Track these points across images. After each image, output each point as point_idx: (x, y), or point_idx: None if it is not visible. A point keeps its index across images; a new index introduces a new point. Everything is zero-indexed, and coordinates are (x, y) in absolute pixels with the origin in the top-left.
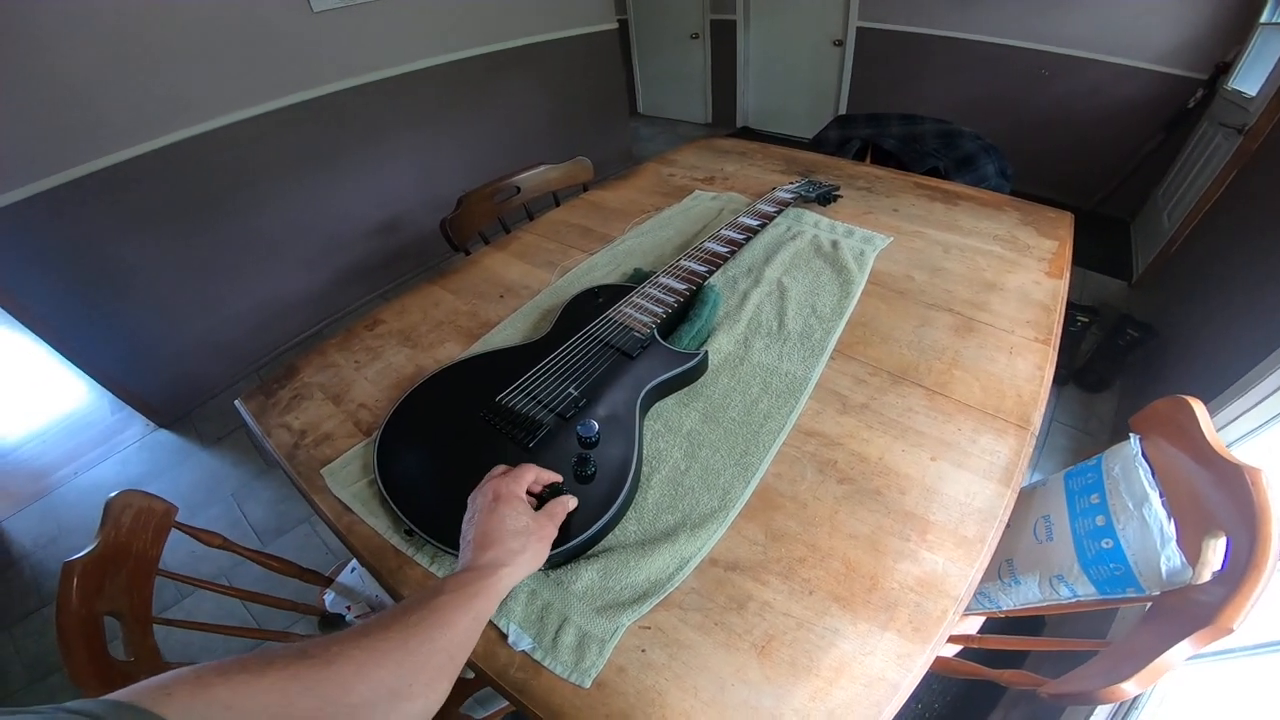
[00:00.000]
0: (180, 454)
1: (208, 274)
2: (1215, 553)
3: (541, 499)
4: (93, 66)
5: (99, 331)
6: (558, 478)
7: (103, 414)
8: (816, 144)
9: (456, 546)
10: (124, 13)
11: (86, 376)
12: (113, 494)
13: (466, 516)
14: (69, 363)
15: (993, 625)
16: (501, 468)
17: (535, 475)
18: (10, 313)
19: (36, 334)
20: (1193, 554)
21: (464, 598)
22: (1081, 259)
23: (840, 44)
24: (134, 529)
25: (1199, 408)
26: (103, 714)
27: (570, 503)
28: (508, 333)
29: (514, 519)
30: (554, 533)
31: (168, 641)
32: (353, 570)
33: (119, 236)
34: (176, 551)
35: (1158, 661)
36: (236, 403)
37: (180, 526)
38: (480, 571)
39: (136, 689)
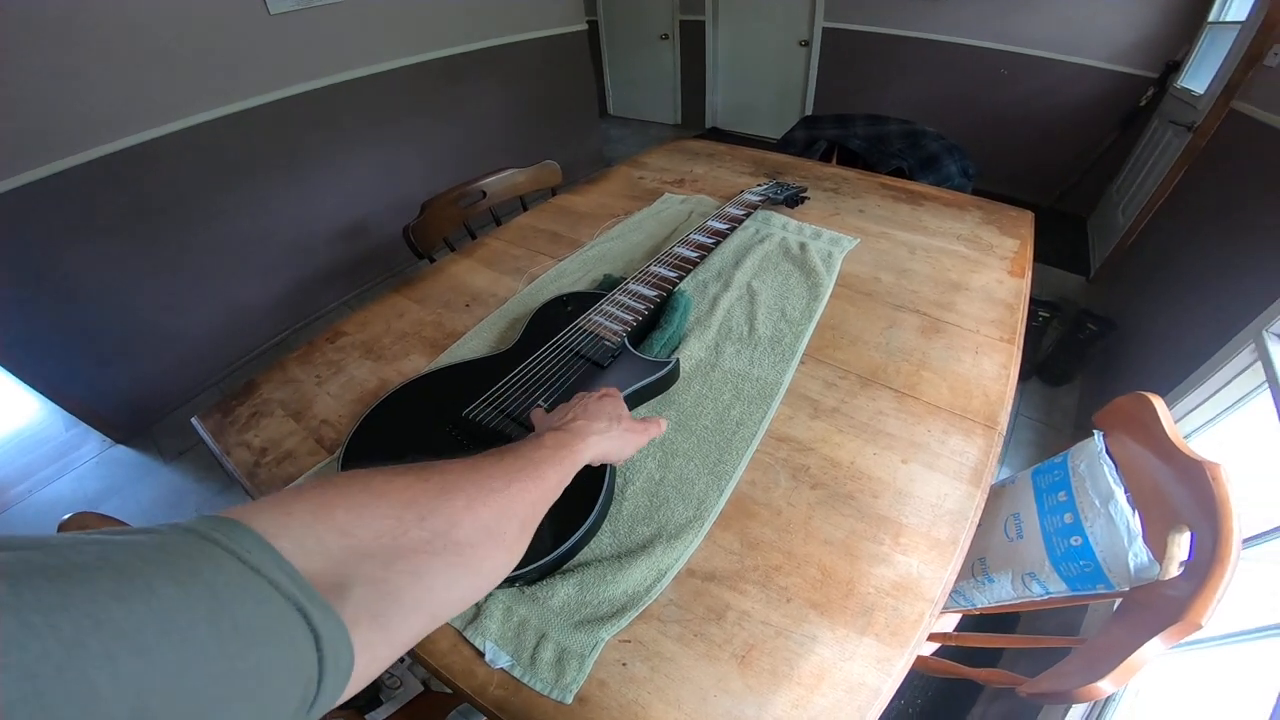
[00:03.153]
0: (140, 470)
1: (165, 283)
2: (1180, 548)
3: None
4: (36, 71)
5: (48, 345)
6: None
7: (55, 430)
8: (783, 144)
9: None
10: (70, 15)
11: (35, 393)
12: (65, 516)
13: (568, 405)
14: (15, 378)
15: (968, 622)
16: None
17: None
18: None
19: None
20: (1159, 549)
21: (560, 456)
22: (1041, 255)
23: (806, 44)
24: None
25: (1159, 404)
26: (221, 539)
27: (664, 425)
28: (474, 343)
29: (612, 408)
30: (640, 441)
31: None
32: None
33: (67, 247)
34: None
35: (1131, 659)
36: (194, 421)
37: None
38: (575, 434)
39: (253, 507)
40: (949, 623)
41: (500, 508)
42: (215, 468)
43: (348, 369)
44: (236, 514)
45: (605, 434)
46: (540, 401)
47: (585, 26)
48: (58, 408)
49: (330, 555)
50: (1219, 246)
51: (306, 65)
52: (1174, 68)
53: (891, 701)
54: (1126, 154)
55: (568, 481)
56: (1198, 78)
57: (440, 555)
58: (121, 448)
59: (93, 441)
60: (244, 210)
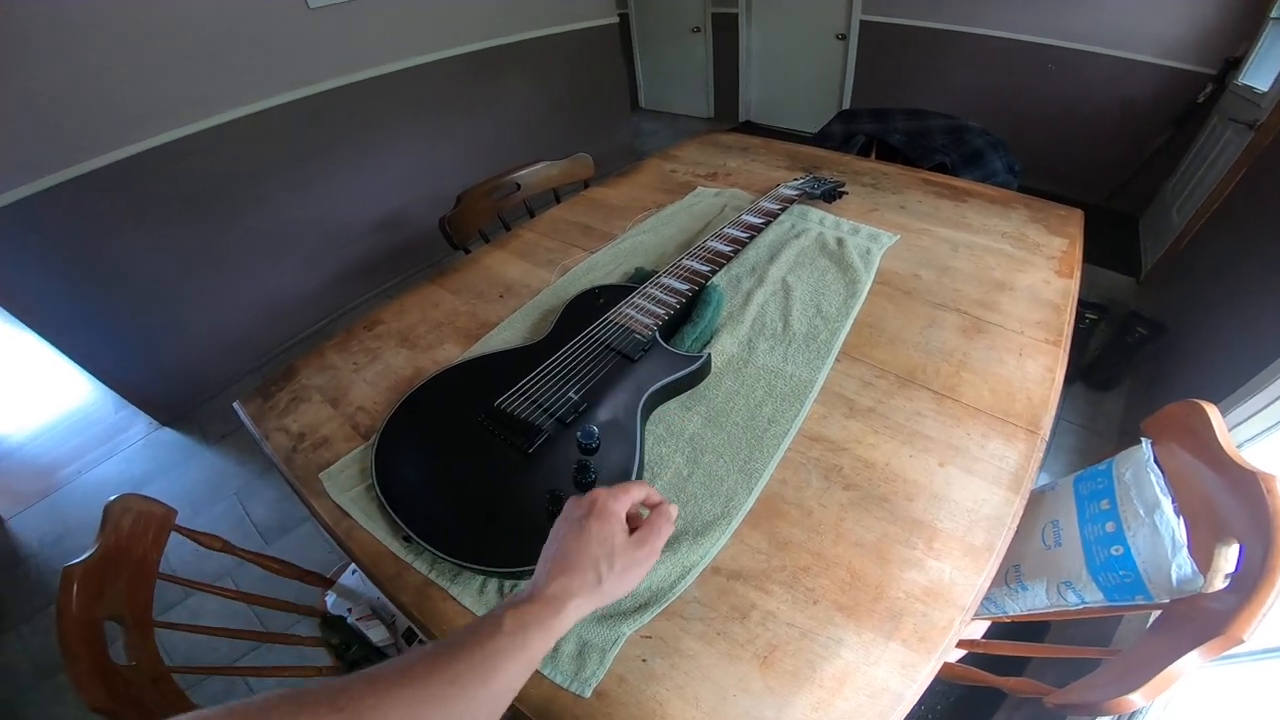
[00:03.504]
0: (184, 452)
1: (210, 271)
2: (1227, 560)
3: None
4: (92, 65)
5: (101, 330)
6: (664, 501)
7: (106, 412)
8: (820, 139)
9: (454, 554)
10: (123, 11)
11: (89, 375)
12: (111, 498)
13: (554, 529)
14: (71, 361)
15: (997, 629)
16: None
17: (645, 495)
18: (11, 311)
19: (38, 332)
20: (1204, 561)
21: (520, 642)
22: (1089, 255)
23: (843, 38)
24: (134, 533)
25: (1213, 412)
26: None
27: (673, 512)
28: (507, 334)
29: (600, 543)
30: (651, 559)
31: (170, 641)
32: (354, 572)
33: (120, 234)
34: (180, 549)
35: (1166, 672)
36: (235, 405)
37: (180, 530)
38: (546, 605)
39: None
40: (978, 629)
41: None
42: (256, 451)
43: (384, 357)
44: None
45: (597, 587)
46: (572, 394)
47: (617, 19)
48: (108, 390)
49: None
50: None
51: (345, 59)
52: (1234, 64)
53: (911, 708)
54: (1182, 152)
55: (545, 653)
56: (1261, 74)
57: None
58: (168, 430)
59: (140, 424)
60: (284, 202)
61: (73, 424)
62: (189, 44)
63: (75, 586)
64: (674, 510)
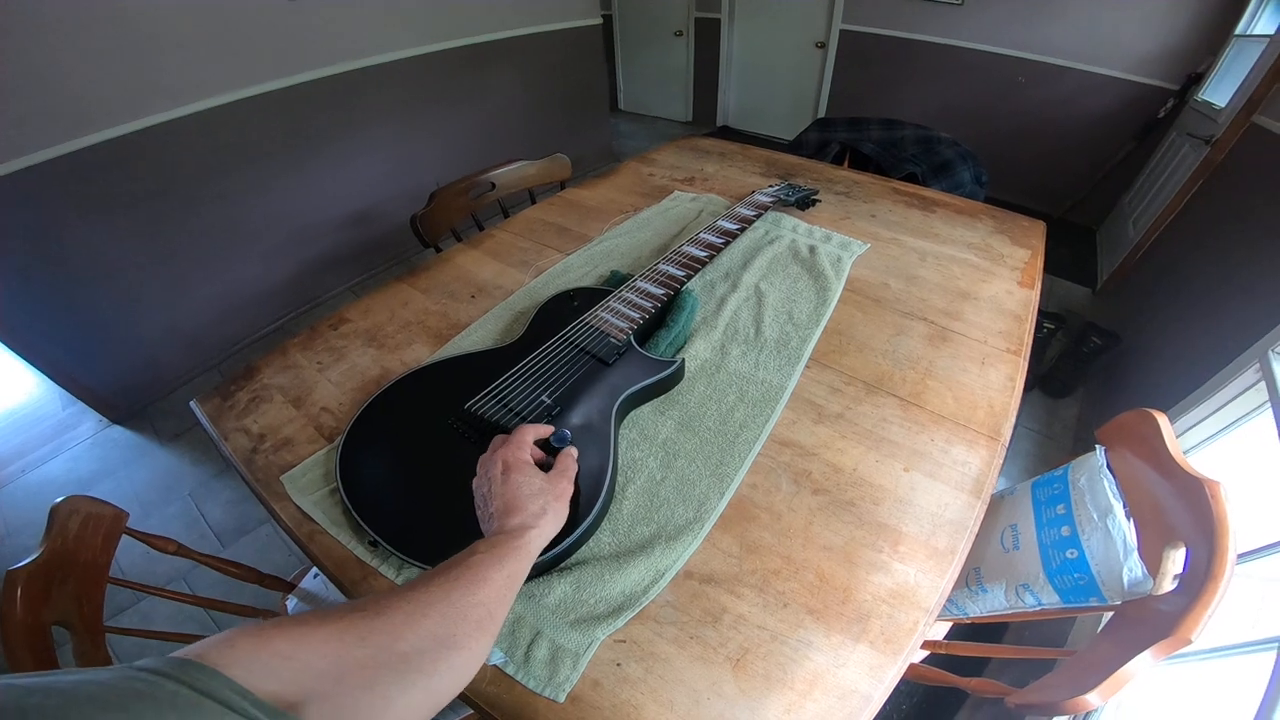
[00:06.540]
0: (135, 451)
1: (171, 263)
2: (1175, 563)
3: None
4: (58, 50)
5: (51, 323)
6: (549, 430)
7: (53, 409)
8: (796, 146)
9: (422, 559)
10: None
11: (35, 370)
12: (58, 500)
13: (481, 491)
14: (17, 356)
15: (958, 630)
16: (501, 437)
17: (533, 434)
18: None
19: None
20: (1153, 564)
21: (496, 557)
22: (1048, 265)
23: (823, 46)
24: (82, 536)
25: (1163, 421)
26: (172, 672)
27: (574, 452)
28: (479, 335)
29: (528, 484)
30: (569, 488)
31: (120, 646)
32: (316, 576)
33: (78, 224)
34: (131, 551)
35: (1120, 672)
36: (192, 404)
37: (131, 533)
38: (510, 535)
39: (202, 645)
40: (940, 630)
41: (442, 615)
42: (212, 451)
43: (350, 356)
44: (184, 654)
45: (543, 517)
46: (544, 397)
47: (600, 21)
48: (55, 386)
49: (280, 677)
50: (1229, 263)
51: (323, 51)
52: (1196, 80)
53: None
54: (1141, 166)
55: (523, 576)
56: (1220, 91)
57: (390, 667)
58: (118, 428)
59: (89, 421)
60: (252, 194)
61: (15, 421)
62: (164, 30)
63: (19, 591)
64: (574, 451)
